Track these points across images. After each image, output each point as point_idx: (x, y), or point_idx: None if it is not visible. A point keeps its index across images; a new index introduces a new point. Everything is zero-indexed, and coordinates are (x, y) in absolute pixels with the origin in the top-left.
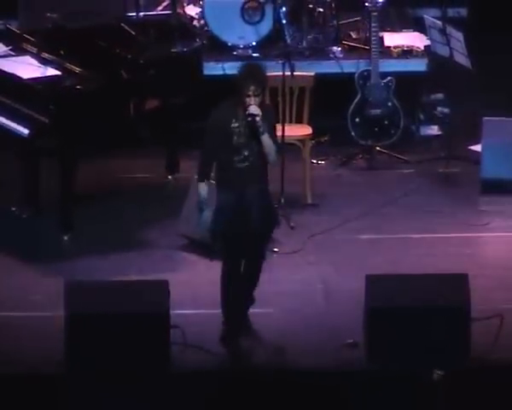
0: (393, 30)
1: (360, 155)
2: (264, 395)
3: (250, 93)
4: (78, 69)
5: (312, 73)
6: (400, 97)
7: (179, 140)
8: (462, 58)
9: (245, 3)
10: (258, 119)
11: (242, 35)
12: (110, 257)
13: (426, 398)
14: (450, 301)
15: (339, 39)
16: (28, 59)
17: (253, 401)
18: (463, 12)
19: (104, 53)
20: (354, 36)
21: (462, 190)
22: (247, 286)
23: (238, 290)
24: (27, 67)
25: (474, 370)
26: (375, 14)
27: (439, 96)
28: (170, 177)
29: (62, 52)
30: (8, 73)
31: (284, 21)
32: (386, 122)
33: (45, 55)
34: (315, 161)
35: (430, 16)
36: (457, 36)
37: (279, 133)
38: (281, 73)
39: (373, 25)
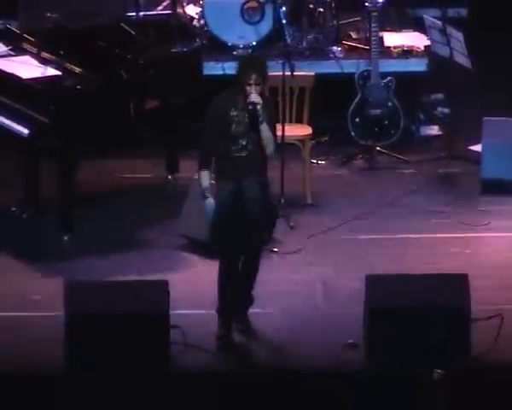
0: (393, 30)
1: (360, 155)
2: (263, 396)
3: (251, 82)
4: (77, 69)
5: (312, 73)
6: (400, 97)
7: (179, 140)
8: (462, 58)
9: (245, 3)
10: (258, 107)
11: (242, 35)
12: (110, 257)
13: (426, 398)
14: (450, 301)
15: (339, 39)
16: (28, 59)
17: (253, 401)
18: (463, 12)
19: (104, 53)
20: (354, 36)
21: (463, 190)
22: (244, 286)
23: (235, 286)
24: (27, 67)
25: (473, 370)
26: (375, 14)
27: (439, 96)
28: (170, 177)
29: (62, 52)
30: (8, 73)
31: (284, 21)
32: (386, 122)
33: (45, 55)
34: (315, 161)
35: (430, 16)
36: (457, 36)
37: (279, 133)
38: (281, 73)
39: (373, 25)
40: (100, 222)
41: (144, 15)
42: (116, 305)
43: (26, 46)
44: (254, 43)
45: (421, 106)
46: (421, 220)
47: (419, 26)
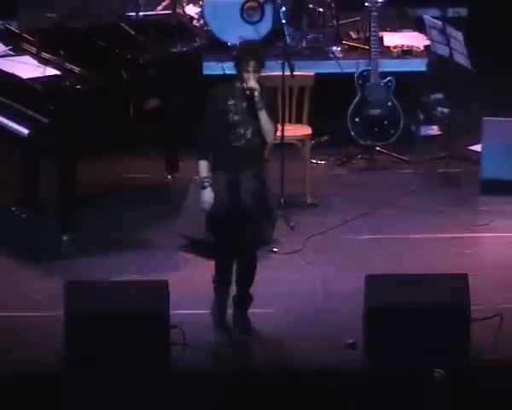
0: (393, 30)
1: (360, 155)
2: (263, 395)
3: (249, 68)
4: (77, 69)
5: (312, 73)
6: (400, 97)
7: (179, 140)
8: (461, 58)
9: (245, 3)
10: (256, 93)
11: (242, 35)
12: (109, 257)
13: (425, 398)
14: (449, 301)
15: (338, 39)
16: (28, 59)
17: (253, 401)
18: (463, 12)
19: (104, 53)
20: (354, 36)
21: (462, 190)
22: (242, 284)
23: (229, 266)
24: (27, 67)
25: (473, 370)
26: (374, 14)
27: (439, 96)
28: (169, 177)
29: (62, 52)
30: (8, 73)
31: (284, 21)
32: (385, 122)
33: (45, 54)
34: (315, 161)
35: (430, 16)
36: (457, 36)
37: (279, 133)
38: (280, 73)
39: (373, 25)
40: (99, 222)
41: (144, 15)
42: (116, 305)
43: (25, 46)
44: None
45: (421, 106)
46: (420, 220)
47: (419, 25)
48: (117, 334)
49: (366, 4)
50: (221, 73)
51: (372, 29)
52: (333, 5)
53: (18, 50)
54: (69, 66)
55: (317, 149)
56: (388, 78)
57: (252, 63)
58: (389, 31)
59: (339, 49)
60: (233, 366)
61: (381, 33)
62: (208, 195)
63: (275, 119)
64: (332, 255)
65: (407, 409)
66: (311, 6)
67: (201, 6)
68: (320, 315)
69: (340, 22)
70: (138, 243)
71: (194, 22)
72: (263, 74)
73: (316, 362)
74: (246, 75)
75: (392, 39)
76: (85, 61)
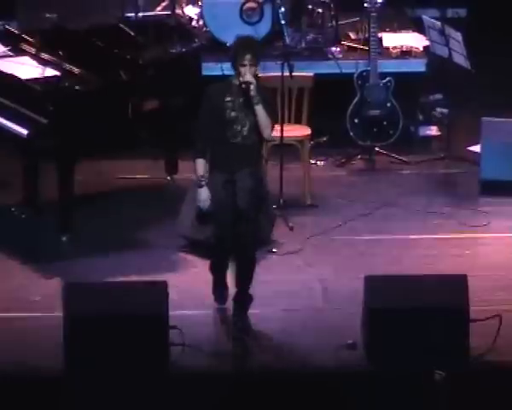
0: (392, 30)
1: (359, 156)
2: (262, 396)
3: (245, 63)
4: (76, 70)
5: (311, 74)
6: (399, 98)
7: (178, 141)
8: (460, 59)
9: (244, 4)
10: (252, 87)
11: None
12: (109, 258)
13: (424, 399)
14: (448, 301)
15: (338, 40)
16: (27, 59)
17: (252, 401)
18: (462, 12)
19: (103, 54)
20: (353, 36)
21: (462, 190)
22: (241, 284)
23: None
24: (26, 68)
25: (472, 371)
26: (373, 14)
27: (438, 96)
28: (168, 177)
29: (61, 53)
30: (7, 74)
31: (283, 22)
32: (385, 123)
33: (44, 55)
34: (314, 162)
35: (429, 17)
36: (456, 36)
37: (278, 134)
38: (280, 74)
39: (372, 25)
40: (98, 223)
41: (143, 16)
42: (115, 306)
43: (24, 47)
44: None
45: (420, 106)
46: (419, 221)
47: (418, 26)
48: (116, 335)
49: (365, 5)
50: (220, 73)
51: (371, 30)
52: (332, 6)
53: (17, 51)
54: (68, 66)
55: (316, 149)
56: (387, 78)
57: (247, 57)
58: (388, 31)
59: (338, 49)
60: (232, 366)
61: (380, 34)
62: (205, 194)
63: (272, 116)
64: (331, 256)
65: (406, 409)
66: (310, 7)
67: (200, 7)
68: (319, 316)
69: (340, 23)
70: (137, 244)
71: (194, 23)
72: (262, 75)
73: (315, 362)
74: (242, 69)
75: (391, 40)
76: (84, 62)
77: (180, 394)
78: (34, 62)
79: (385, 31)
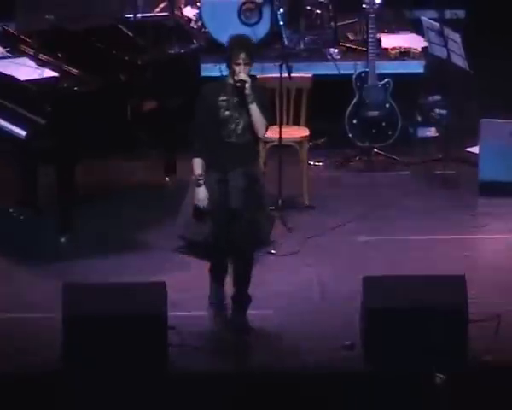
0: (391, 31)
1: (358, 157)
2: (261, 397)
3: (240, 61)
4: (75, 71)
5: (310, 75)
6: (398, 99)
7: (177, 142)
8: (459, 60)
9: (242, 5)
10: (247, 85)
11: None
12: (108, 258)
13: (423, 400)
14: (447, 302)
15: (336, 41)
16: (26, 60)
17: (251, 402)
18: (461, 14)
19: (102, 55)
20: (351, 37)
21: (460, 191)
22: (239, 285)
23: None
24: (25, 69)
25: (471, 371)
26: (372, 15)
27: (437, 97)
28: (167, 178)
29: (60, 54)
30: (6, 75)
31: (282, 23)
32: (383, 124)
33: (43, 56)
34: (312, 163)
35: (427, 18)
36: (455, 37)
37: (276, 135)
38: (278, 75)
39: (370, 26)
40: (97, 223)
41: (142, 17)
42: (114, 306)
43: (23, 48)
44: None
45: (419, 107)
46: (418, 222)
47: (416, 27)
48: (115, 335)
49: (364, 6)
50: (218, 74)
51: (370, 31)
52: (330, 7)
53: (16, 52)
54: (67, 67)
55: (314, 150)
56: (386, 79)
57: (242, 55)
58: (387, 32)
59: (336, 50)
60: (231, 367)
61: (378, 35)
62: (203, 193)
63: (266, 115)
64: (330, 257)
65: None
66: (308, 8)
67: (199, 8)
68: (318, 317)
69: (338, 24)
70: (136, 245)
71: (192, 24)
72: (261, 76)
73: (313, 363)
74: (236, 68)
75: (389, 41)
76: (83, 63)
77: (179, 394)
78: (33, 63)
79: (383, 32)
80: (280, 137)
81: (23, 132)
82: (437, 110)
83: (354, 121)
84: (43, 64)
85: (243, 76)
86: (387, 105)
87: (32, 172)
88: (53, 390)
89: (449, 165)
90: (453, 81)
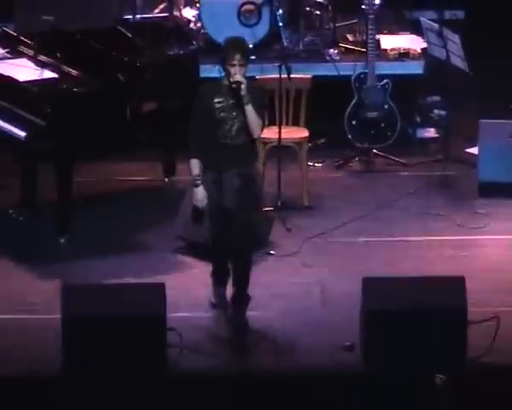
0: (390, 32)
1: (357, 158)
2: (261, 398)
3: (235, 62)
4: (74, 72)
5: (309, 76)
6: (397, 100)
7: (176, 143)
8: (458, 61)
9: (241, 6)
10: (243, 86)
11: None
12: (107, 260)
13: (423, 401)
14: (446, 303)
15: (335, 42)
16: (25, 61)
17: (251, 403)
18: (460, 14)
19: (101, 56)
20: (351, 38)
21: (459, 192)
22: (238, 285)
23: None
24: (24, 70)
25: (470, 372)
26: (371, 16)
27: (436, 98)
28: (166, 179)
29: (59, 55)
30: (5, 76)
31: (281, 24)
32: (382, 125)
33: (42, 57)
34: (311, 164)
35: (427, 19)
36: (454, 38)
37: (275, 136)
38: (277, 76)
39: (369, 27)
40: (97, 225)
41: (141, 18)
42: (113, 308)
43: (22, 49)
44: (251, 46)
45: (418, 108)
46: (417, 223)
47: (416, 28)
48: (114, 336)
49: (363, 7)
50: (218, 75)
51: (369, 32)
52: (330, 8)
53: (15, 53)
54: (66, 69)
55: (313, 151)
56: (385, 80)
57: (237, 57)
58: (386, 33)
59: (336, 51)
60: (231, 368)
61: (377, 36)
62: (201, 193)
63: (262, 116)
64: (329, 258)
65: None
66: (307, 9)
67: (198, 9)
68: (317, 318)
69: (337, 25)
70: (135, 246)
71: (191, 25)
72: (260, 77)
73: (312, 364)
74: (232, 69)
75: (389, 42)
76: (82, 64)
77: (178, 396)
78: (32, 64)
79: (383, 33)
80: (279, 138)
81: (22, 133)
82: (436, 111)
83: (353, 122)
84: (42, 65)
85: (238, 77)
86: (387, 106)
87: (31, 172)
88: (52, 392)
89: (448, 166)
90: (452, 82)
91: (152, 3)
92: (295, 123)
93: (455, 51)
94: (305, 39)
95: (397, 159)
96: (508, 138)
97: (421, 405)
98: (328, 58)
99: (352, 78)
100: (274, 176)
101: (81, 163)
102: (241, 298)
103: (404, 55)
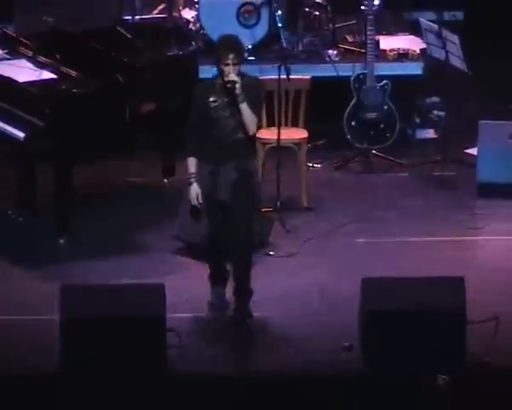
0: (389, 33)
1: (356, 159)
2: (260, 398)
3: (229, 62)
4: (73, 73)
5: (308, 77)
6: (396, 101)
7: (175, 144)
8: (457, 61)
9: (241, 7)
10: (237, 85)
11: None
12: (106, 260)
13: (422, 402)
14: (446, 304)
15: (335, 42)
16: (24, 62)
17: (250, 404)
18: (459, 15)
19: (100, 57)
20: (350, 39)
21: (458, 193)
22: (239, 280)
23: (220, 254)
24: (23, 71)
25: (469, 373)
26: (370, 17)
27: (435, 99)
28: (166, 180)
29: (58, 56)
30: (4, 77)
31: (280, 25)
32: (381, 125)
33: (41, 58)
34: (311, 165)
35: (426, 19)
36: (453, 39)
37: (275, 136)
38: (277, 77)
39: (369, 28)
40: (96, 225)
41: (140, 19)
42: (112, 308)
43: (21, 50)
44: (250, 47)
45: (417, 109)
46: (416, 224)
47: (415, 29)
48: (113, 337)
49: (362, 8)
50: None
51: (368, 32)
52: (329, 8)
53: (14, 54)
54: (65, 69)
55: (313, 152)
56: (384, 81)
57: (231, 56)
58: (385, 34)
59: (335, 52)
60: (230, 369)
61: (377, 37)
62: (194, 190)
63: (257, 113)
64: (328, 258)
65: None
66: (307, 9)
67: (197, 9)
68: (316, 318)
69: (337, 26)
70: (135, 246)
71: (191, 26)
72: (260, 77)
73: (311, 365)
74: (226, 69)
75: (388, 43)
76: (81, 65)
77: (178, 396)
78: (31, 65)
79: (382, 34)
80: (278, 139)
81: (21, 134)
82: (435, 112)
83: (352, 123)
84: (41, 66)
85: (232, 76)
86: (386, 107)
87: (30, 173)
88: (51, 392)
89: (447, 166)
90: (451, 83)
91: (151, 4)
92: (294, 124)
93: (454, 52)
94: (305, 40)
95: (396, 160)
96: (507, 139)
97: (420, 405)
98: (327, 59)
99: (352, 78)
100: (273, 177)
101: (80, 164)
102: (243, 292)
103: (403, 56)
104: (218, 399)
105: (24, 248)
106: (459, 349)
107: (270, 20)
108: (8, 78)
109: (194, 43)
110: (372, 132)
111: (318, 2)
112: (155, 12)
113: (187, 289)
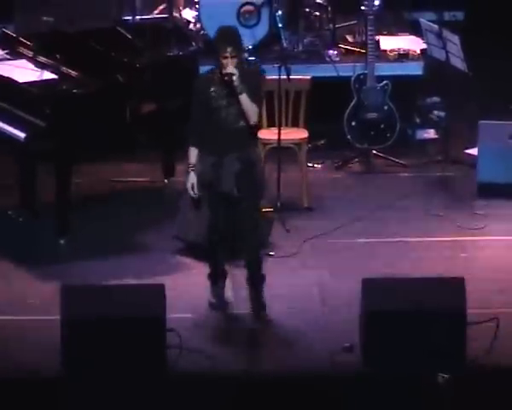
0: (390, 33)
1: (356, 159)
2: (261, 398)
3: (227, 54)
4: (74, 73)
5: (308, 77)
6: (396, 101)
7: (175, 144)
8: (458, 61)
9: (241, 7)
10: (235, 78)
11: None
12: (106, 261)
13: (422, 402)
14: (446, 304)
15: (335, 43)
16: (24, 63)
17: (249, 404)
18: (460, 15)
19: (100, 57)
20: (350, 39)
21: (459, 193)
22: (252, 270)
23: (220, 253)
24: (23, 71)
25: (469, 373)
26: (371, 17)
27: (435, 99)
28: (166, 180)
29: (58, 56)
30: (5, 77)
31: (280, 25)
32: (382, 126)
33: (41, 58)
34: (311, 165)
35: (426, 20)
36: (454, 39)
37: (275, 137)
38: (277, 77)
39: (369, 28)
40: (96, 226)
41: (140, 19)
42: (112, 308)
43: (22, 50)
44: (250, 47)
45: (418, 109)
46: (417, 224)
47: (415, 29)
48: (114, 337)
49: (362, 8)
50: None
51: (368, 33)
52: (329, 9)
53: (14, 54)
54: (66, 70)
55: (313, 152)
56: (385, 81)
57: (229, 49)
58: (386, 34)
59: (335, 52)
60: (230, 369)
61: (377, 37)
62: (192, 179)
63: (258, 101)
64: (328, 259)
65: None
66: (307, 10)
67: (198, 10)
68: (317, 319)
69: (337, 26)
70: (135, 247)
71: (191, 26)
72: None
73: (312, 365)
74: (224, 61)
75: (388, 43)
76: (82, 65)
77: (178, 396)
78: (31, 66)
79: (382, 34)
80: (279, 139)
81: (22, 135)
82: (435, 112)
83: (353, 123)
84: (42, 66)
85: (230, 69)
86: (386, 107)
87: (30, 174)
88: (52, 393)
89: (447, 167)
90: (452, 83)
91: (151, 4)
92: (295, 124)
93: (454, 52)
94: (305, 40)
95: (396, 160)
96: (507, 139)
97: (420, 405)
98: (327, 59)
99: (352, 79)
100: (273, 177)
101: (81, 164)
102: (256, 278)
103: (403, 56)
104: (218, 399)
105: (24, 248)
106: (459, 349)
107: (271, 20)
108: (8, 78)
109: (194, 43)
110: (372, 133)
111: (319, 3)
112: (156, 12)
113: (187, 289)
